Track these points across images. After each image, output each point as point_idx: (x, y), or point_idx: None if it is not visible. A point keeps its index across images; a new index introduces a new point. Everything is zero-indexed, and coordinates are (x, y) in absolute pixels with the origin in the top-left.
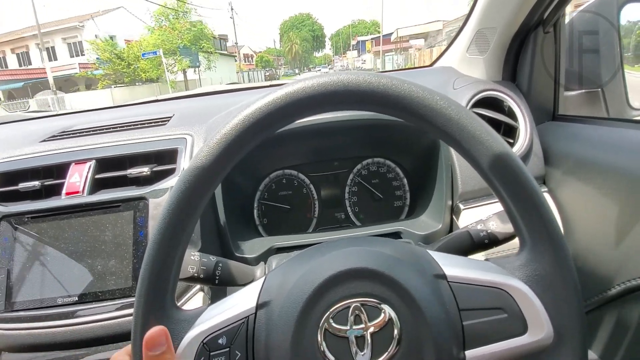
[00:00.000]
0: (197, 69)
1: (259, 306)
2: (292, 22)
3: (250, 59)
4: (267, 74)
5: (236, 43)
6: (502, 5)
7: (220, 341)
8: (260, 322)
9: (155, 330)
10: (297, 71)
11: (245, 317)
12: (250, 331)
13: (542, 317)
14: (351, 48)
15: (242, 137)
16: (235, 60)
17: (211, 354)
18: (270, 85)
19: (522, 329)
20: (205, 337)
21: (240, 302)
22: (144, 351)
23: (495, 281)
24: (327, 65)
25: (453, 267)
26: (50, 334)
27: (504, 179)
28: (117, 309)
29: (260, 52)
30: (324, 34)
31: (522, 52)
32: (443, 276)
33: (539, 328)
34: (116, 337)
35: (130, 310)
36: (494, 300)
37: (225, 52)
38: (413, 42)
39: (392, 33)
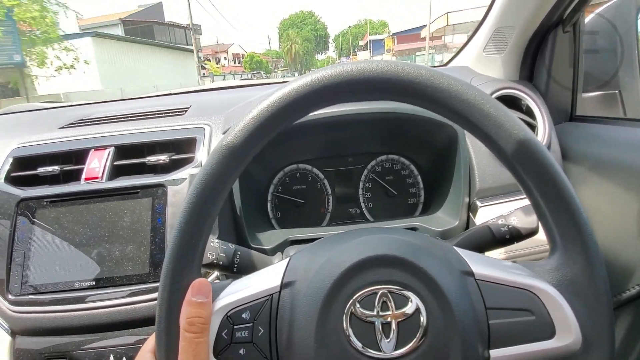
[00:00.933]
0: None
1: (284, 285)
2: (292, 20)
3: (240, 59)
4: (245, 78)
5: (191, 29)
6: (522, 4)
7: (244, 315)
8: (285, 301)
9: (203, 280)
10: (296, 75)
11: (270, 295)
12: (275, 309)
13: (570, 322)
14: (360, 49)
15: (275, 117)
16: (201, 58)
17: (234, 327)
18: (284, 82)
19: (550, 333)
20: (230, 310)
21: (265, 280)
22: (187, 296)
23: (524, 282)
24: None
25: (480, 265)
26: (65, 318)
27: (532, 172)
28: (134, 294)
29: (257, 52)
30: (327, 33)
31: (540, 51)
32: (471, 273)
33: (567, 333)
34: (132, 323)
35: (147, 296)
36: (522, 301)
37: (181, 46)
38: (454, 37)
39: (422, 27)
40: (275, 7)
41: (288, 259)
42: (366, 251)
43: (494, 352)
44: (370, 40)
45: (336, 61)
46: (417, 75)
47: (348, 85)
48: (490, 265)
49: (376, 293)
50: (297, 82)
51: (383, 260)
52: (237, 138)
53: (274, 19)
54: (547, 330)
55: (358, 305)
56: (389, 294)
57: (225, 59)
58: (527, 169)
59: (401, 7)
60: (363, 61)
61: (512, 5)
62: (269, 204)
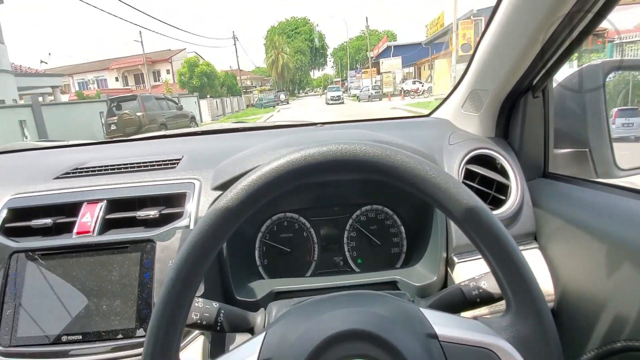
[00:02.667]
0: None
1: None
2: (282, 29)
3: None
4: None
5: None
6: (494, 71)
7: None
8: None
9: None
10: (282, 97)
11: None
12: None
13: None
14: (369, 64)
15: (265, 188)
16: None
17: None
18: (275, 127)
19: None
20: None
21: (241, 359)
22: None
23: (484, 341)
24: (337, 87)
25: (444, 326)
26: None
27: (482, 236)
28: (120, 349)
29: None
30: (325, 45)
31: (513, 112)
32: (434, 335)
33: None
34: None
35: (133, 351)
36: None
37: None
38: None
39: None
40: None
41: (264, 333)
42: (335, 326)
43: None
44: (389, 47)
45: (334, 79)
46: (373, 154)
47: (332, 163)
48: (452, 326)
49: None
50: (287, 157)
51: (351, 335)
52: (208, 233)
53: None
54: None
55: None
56: None
57: (168, 72)
58: (479, 235)
59: (406, 17)
60: (330, 143)
61: (486, 70)
62: (256, 252)
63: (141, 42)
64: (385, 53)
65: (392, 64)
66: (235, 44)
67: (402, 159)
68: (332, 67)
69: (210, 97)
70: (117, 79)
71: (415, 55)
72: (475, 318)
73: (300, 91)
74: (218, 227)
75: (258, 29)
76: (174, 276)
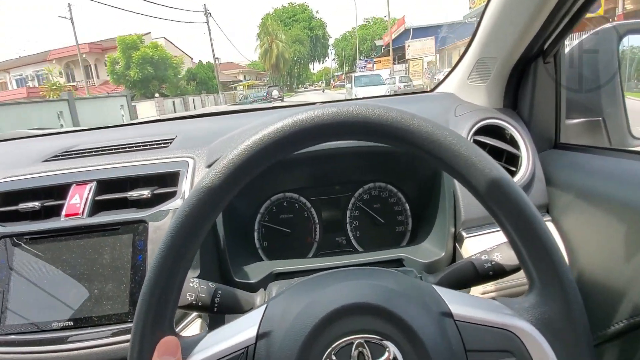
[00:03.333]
0: None
1: (260, 336)
2: (278, 16)
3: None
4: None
5: None
6: (502, 36)
7: None
8: (261, 353)
9: (169, 338)
10: (275, 93)
11: (245, 348)
12: None
13: None
14: (390, 48)
15: (249, 162)
16: None
17: None
18: (273, 107)
19: None
20: None
21: (240, 331)
22: (154, 358)
23: (503, 322)
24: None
25: (459, 304)
26: (45, 359)
27: (506, 210)
28: (113, 335)
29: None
30: (327, 34)
31: (522, 81)
32: (449, 314)
33: None
34: None
35: (127, 337)
36: (502, 342)
37: None
38: None
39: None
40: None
41: (265, 306)
42: (341, 299)
43: None
44: (408, 29)
45: (336, 73)
46: (387, 117)
47: (323, 128)
48: (469, 305)
49: (352, 343)
50: (271, 128)
51: (359, 308)
52: (212, 186)
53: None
54: None
55: (334, 357)
56: (365, 344)
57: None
58: (501, 207)
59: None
60: (338, 104)
61: (494, 37)
62: (255, 234)
63: (71, 18)
64: (402, 38)
65: (424, 47)
66: (207, 22)
67: (419, 123)
68: (334, 59)
69: (162, 95)
70: (60, 73)
71: (441, 39)
72: (493, 298)
73: (300, 86)
74: (207, 203)
75: (253, 19)
76: (163, 251)
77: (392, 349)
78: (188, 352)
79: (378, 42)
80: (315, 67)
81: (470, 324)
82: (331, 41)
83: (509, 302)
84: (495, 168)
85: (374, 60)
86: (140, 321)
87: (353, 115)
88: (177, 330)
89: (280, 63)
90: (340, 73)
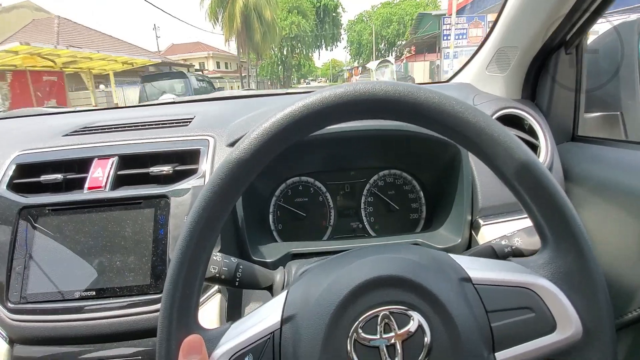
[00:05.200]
0: None
1: (284, 320)
2: None
3: None
4: None
5: None
6: (525, 25)
7: (247, 359)
8: (287, 336)
9: (193, 337)
10: (194, 82)
11: (271, 333)
12: (277, 347)
13: (570, 314)
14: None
15: (278, 136)
16: None
17: None
18: (288, 93)
19: (551, 327)
20: (232, 356)
21: (264, 318)
22: (179, 358)
23: (521, 281)
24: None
25: (476, 269)
26: (65, 328)
27: (523, 179)
28: (134, 306)
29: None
30: (339, 5)
31: (542, 71)
32: (468, 279)
33: (568, 325)
34: (132, 334)
35: (148, 307)
36: (521, 300)
37: None
38: None
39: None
40: None
41: (286, 291)
42: (362, 275)
43: (499, 355)
44: None
45: (345, 67)
46: (418, 96)
47: (351, 105)
48: (485, 268)
49: (377, 316)
50: (300, 103)
51: (380, 281)
52: (242, 158)
53: None
54: (548, 325)
55: (360, 331)
56: (390, 315)
57: None
58: (507, 166)
59: None
60: (364, 83)
61: (516, 26)
62: (270, 216)
63: None
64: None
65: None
66: None
67: (450, 103)
68: (346, 48)
69: None
70: None
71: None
72: (508, 260)
73: (302, 81)
74: (234, 176)
75: None
76: (190, 230)
77: (416, 317)
78: (214, 345)
79: (435, 12)
80: (322, 57)
81: (488, 286)
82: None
83: (524, 261)
84: (528, 153)
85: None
86: (166, 319)
87: (381, 93)
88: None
89: (256, 32)
90: (350, 67)
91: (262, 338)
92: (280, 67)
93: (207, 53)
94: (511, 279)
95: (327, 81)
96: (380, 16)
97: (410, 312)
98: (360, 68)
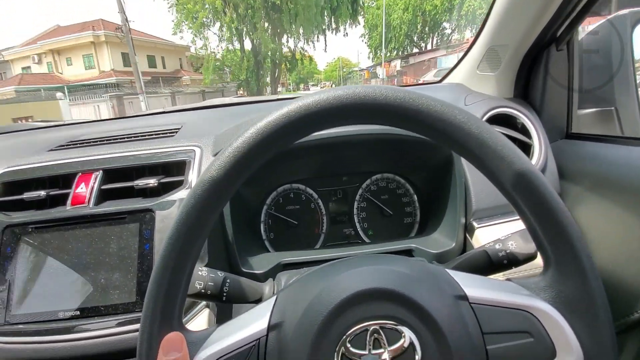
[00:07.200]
0: None
1: (271, 327)
2: None
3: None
4: None
5: None
6: (515, 23)
7: None
8: (272, 345)
9: (173, 334)
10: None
11: (256, 340)
12: (262, 355)
13: (571, 341)
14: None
15: (254, 151)
16: None
17: None
18: (280, 99)
19: (550, 354)
20: None
21: (251, 323)
22: (159, 356)
23: (520, 303)
24: None
25: (474, 287)
26: (50, 349)
27: (524, 193)
28: (121, 325)
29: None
30: None
31: (534, 69)
32: (464, 297)
33: (568, 353)
34: (119, 354)
35: (134, 326)
36: (519, 323)
37: None
38: None
39: None
40: None
41: (275, 297)
42: (354, 286)
43: None
44: None
45: (357, 67)
46: (408, 100)
47: (343, 110)
48: (483, 287)
49: (367, 330)
50: (275, 114)
51: (372, 294)
52: (216, 175)
53: None
54: (547, 352)
55: (349, 345)
56: (380, 330)
57: None
58: (514, 186)
59: None
60: (354, 87)
61: (506, 24)
62: (262, 225)
63: None
64: None
65: None
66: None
67: (428, 102)
68: (363, 37)
69: None
70: None
71: None
72: (508, 279)
73: (303, 86)
74: (212, 193)
75: None
76: (170, 244)
77: (407, 334)
78: (197, 347)
79: None
80: (330, 45)
81: (486, 306)
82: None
83: (524, 282)
84: (509, 148)
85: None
86: (148, 318)
87: (360, 98)
88: (184, 319)
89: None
90: (364, 67)
91: (247, 344)
92: (255, 66)
93: (102, 34)
94: (510, 301)
95: (332, 85)
96: None
97: (401, 328)
98: (395, 65)
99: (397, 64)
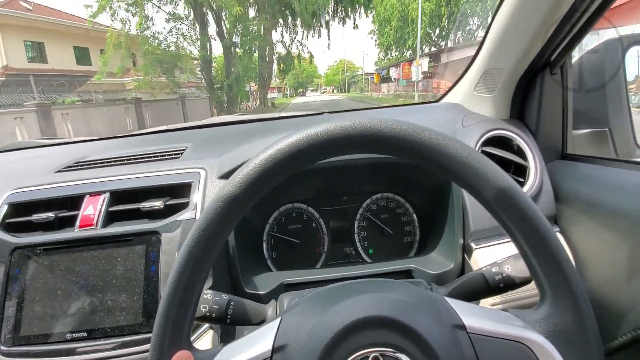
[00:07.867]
0: None
1: (275, 349)
2: None
3: None
4: None
5: None
6: (510, 48)
7: None
8: None
9: (183, 352)
10: None
11: None
12: None
13: None
14: None
15: (264, 176)
16: None
17: None
18: (280, 118)
19: None
20: None
21: (255, 344)
22: None
23: (516, 334)
24: None
25: (472, 316)
26: None
27: (515, 221)
28: (126, 346)
29: None
30: None
31: (529, 91)
32: (462, 326)
33: None
34: None
35: (140, 348)
36: (515, 354)
37: None
38: None
39: None
40: None
41: (279, 319)
42: (356, 313)
43: None
44: None
45: (363, 71)
46: (399, 130)
47: (337, 142)
48: (481, 317)
49: (367, 357)
50: (284, 142)
51: (374, 321)
52: (233, 195)
53: None
54: None
55: None
56: (380, 357)
57: None
58: (511, 218)
59: None
60: (354, 116)
61: (500, 48)
62: (264, 244)
63: None
64: None
65: None
66: None
67: (430, 135)
68: (372, 32)
69: None
70: None
71: None
72: (505, 310)
73: (302, 90)
74: (225, 214)
75: None
76: (182, 264)
77: None
78: None
79: None
80: (331, 45)
81: (482, 337)
82: None
83: (521, 313)
84: (506, 179)
85: None
86: (159, 336)
87: (366, 129)
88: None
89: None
90: (378, 70)
91: None
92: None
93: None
94: (507, 332)
95: (334, 91)
96: None
97: (400, 356)
98: (423, 63)
99: (423, 62)
